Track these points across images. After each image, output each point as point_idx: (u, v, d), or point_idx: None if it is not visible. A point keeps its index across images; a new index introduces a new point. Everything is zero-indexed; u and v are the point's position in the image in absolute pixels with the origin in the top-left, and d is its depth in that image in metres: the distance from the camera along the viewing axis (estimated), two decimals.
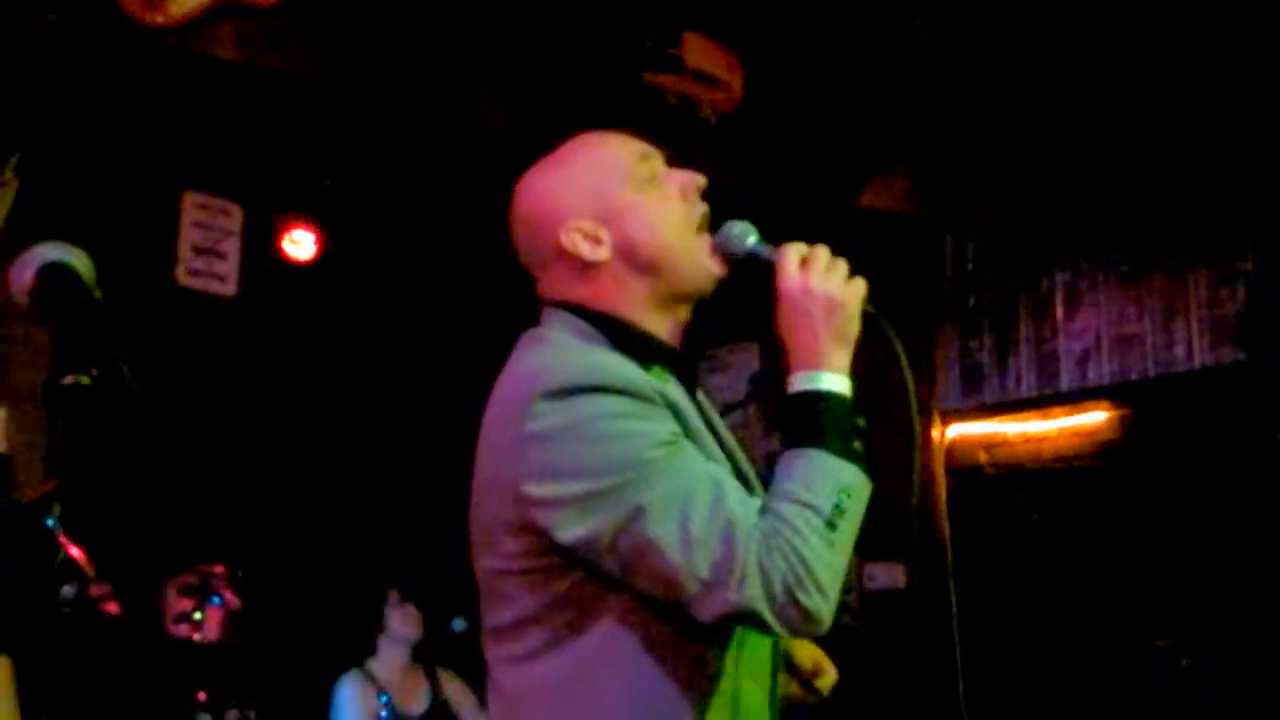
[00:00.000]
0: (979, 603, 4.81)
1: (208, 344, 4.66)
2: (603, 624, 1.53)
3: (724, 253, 1.72)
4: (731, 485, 1.52)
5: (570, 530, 1.49)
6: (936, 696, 4.73)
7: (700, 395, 1.75)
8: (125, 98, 3.88)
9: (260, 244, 4.80)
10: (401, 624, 4.23)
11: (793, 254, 1.68)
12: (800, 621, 1.47)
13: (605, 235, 1.65)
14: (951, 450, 5.04)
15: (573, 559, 1.51)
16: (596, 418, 1.50)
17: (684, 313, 1.72)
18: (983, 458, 5.00)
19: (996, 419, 4.95)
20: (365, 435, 5.10)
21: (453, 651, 4.39)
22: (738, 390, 5.60)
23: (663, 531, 1.46)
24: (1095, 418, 4.69)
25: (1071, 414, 4.74)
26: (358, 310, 5.13)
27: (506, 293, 5.65)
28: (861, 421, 1.62)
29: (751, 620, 1.48)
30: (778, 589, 1.45)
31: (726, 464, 1.63)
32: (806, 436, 1.56)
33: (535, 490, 1.50)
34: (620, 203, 1.67)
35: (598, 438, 1.49)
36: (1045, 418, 4.83)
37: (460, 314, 5.15)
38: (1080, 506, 4.63)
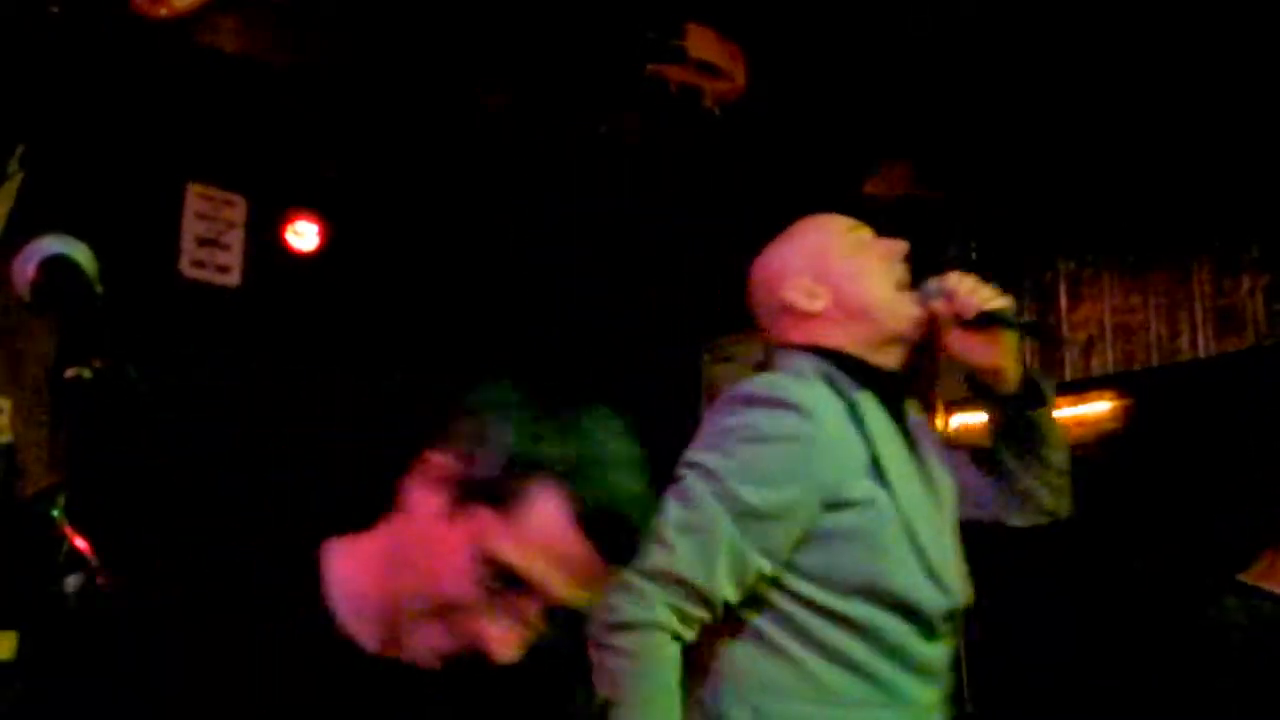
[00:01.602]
0: (983, 592, 4.81)
1: (212, 335, 4.67)
2: None
3: (921, 303, 2.06)
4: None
5: None
6: None
7: (913, 417, 2.09)
8: (129, 90, 3.88)
9: (264, 235, 4.80)
10: None
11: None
12: None
13: (821, 290, 2.03)
14: (955, 440, 5.04)
15: None
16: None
17: (894, 354, 2.05)
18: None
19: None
20: (370, 426, 5.10)
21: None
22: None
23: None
24: (1099, 407, 4.68)
25: (1075, 404, 4.74)
26: (362, 301, 5.13)
27: (510, 281, 5.66)
28: None
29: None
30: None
31: (912, 486, 1.95)
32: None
33: None
34: (834, 264, 2.05)
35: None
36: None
37: (465, 303, 5.15)
38: (1083, 495, 4.62)
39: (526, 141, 4.49)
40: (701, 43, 4.15)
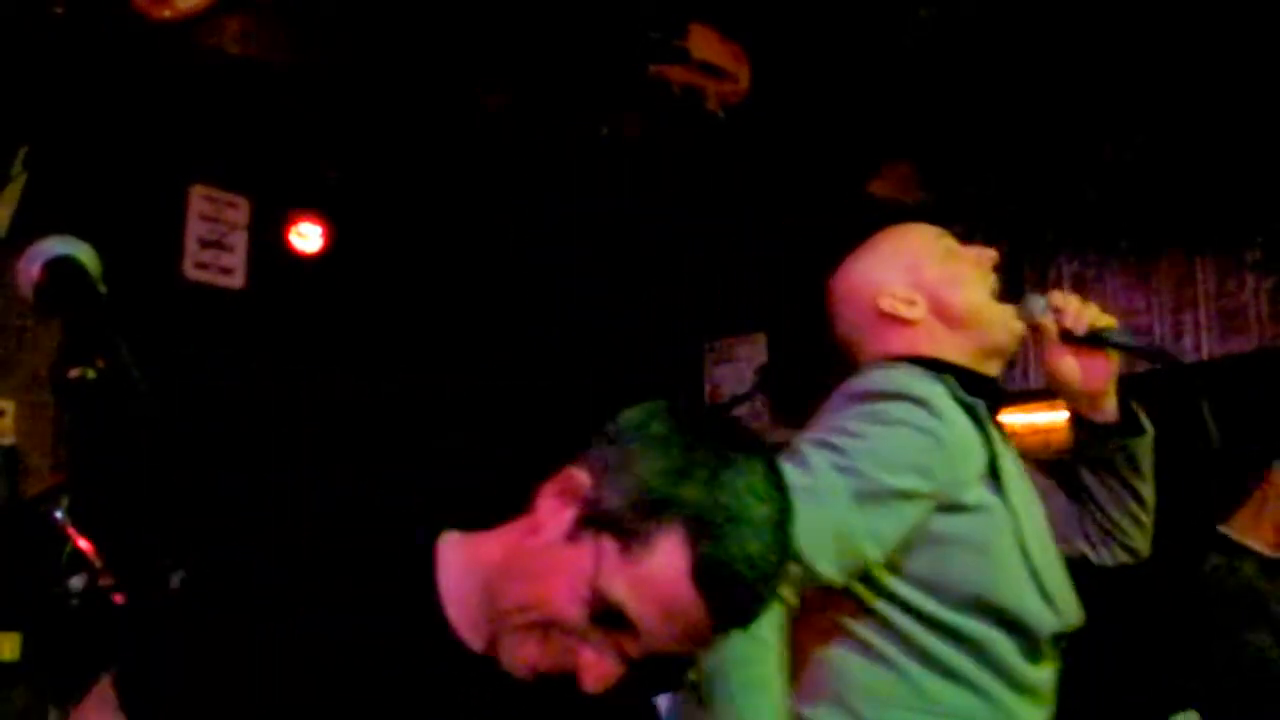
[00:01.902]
0: None
1: (215, 337, 4.67)
2: None
3: (1025, 317, 1.99)
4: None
5: None
6: None
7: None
8: (132, 91, 3.88)
9: (267, 237, 4.81)
10: None
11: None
12: None
13: (919, 298, 1.94)
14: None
15: None
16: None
17: (996, 366, 2.00)
18: None
19: (1005, 410, 4.93)
20: (375, 428, 5.11)
21: None
22: (744, 382, 5.61)
23: None
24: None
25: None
26: (366, 302, 5.13)
27: (513, 281, 5.66)
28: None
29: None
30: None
31: (1026, 500, 1.89)
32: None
33: None
34: (929, 272, 1.96)
35: None
36: (1053, 408, 4.82)
37: (467, 303, 5.15)
38: None
39: (528, 142, 4.50)
40: (704, 44, 4.15)
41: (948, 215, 5.04)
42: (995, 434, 1.90)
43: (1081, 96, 4.44)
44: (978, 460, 1.83)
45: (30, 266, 1.14)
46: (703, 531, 1.19)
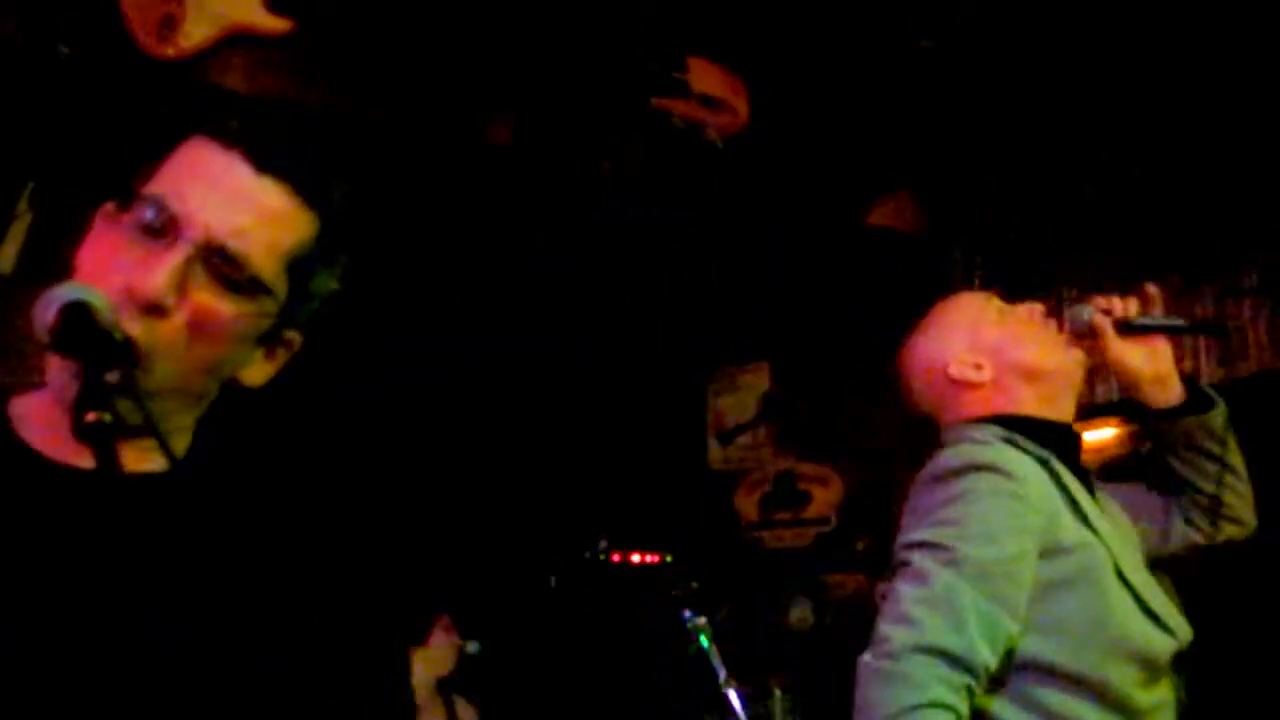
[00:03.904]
0: None
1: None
2: None
3: (1077, 329, 2.16)
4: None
5: None
6: None
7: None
8: (137, 129, 3.91)
9: None
10: (444, 652, 4.24)
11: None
12: None
13: (984, 360, 2.10)
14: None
15: None
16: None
17: (1068, 403, 2.13)
18: None
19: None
20: (382, 453, 5.11)
21: (467, 675, 4.40)
22: (748, 411, 5.62)
23: None
24: (1104, 434, 4.69)
25: (1080, 430, 4.73)
26: (372, 330, 5.15)
27: (515, 312, 5.67)
28: None
29: None
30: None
31: (1112, 531, 1.98)
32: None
33: None
34: (988, 334, 2.12)
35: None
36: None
37: (470, 333, 5.17)
38: None
39: (530, 174, 4.52)
40: (704, 77, 4.18)
41: (945, 245, 5.07)
42: (1069, 477, 1.99)
43: (1078, 128, 4.47)
44: (1061, 506, 1.93)
45: (46, 312, 1.16)
46: None
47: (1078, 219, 4.70)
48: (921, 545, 1.84)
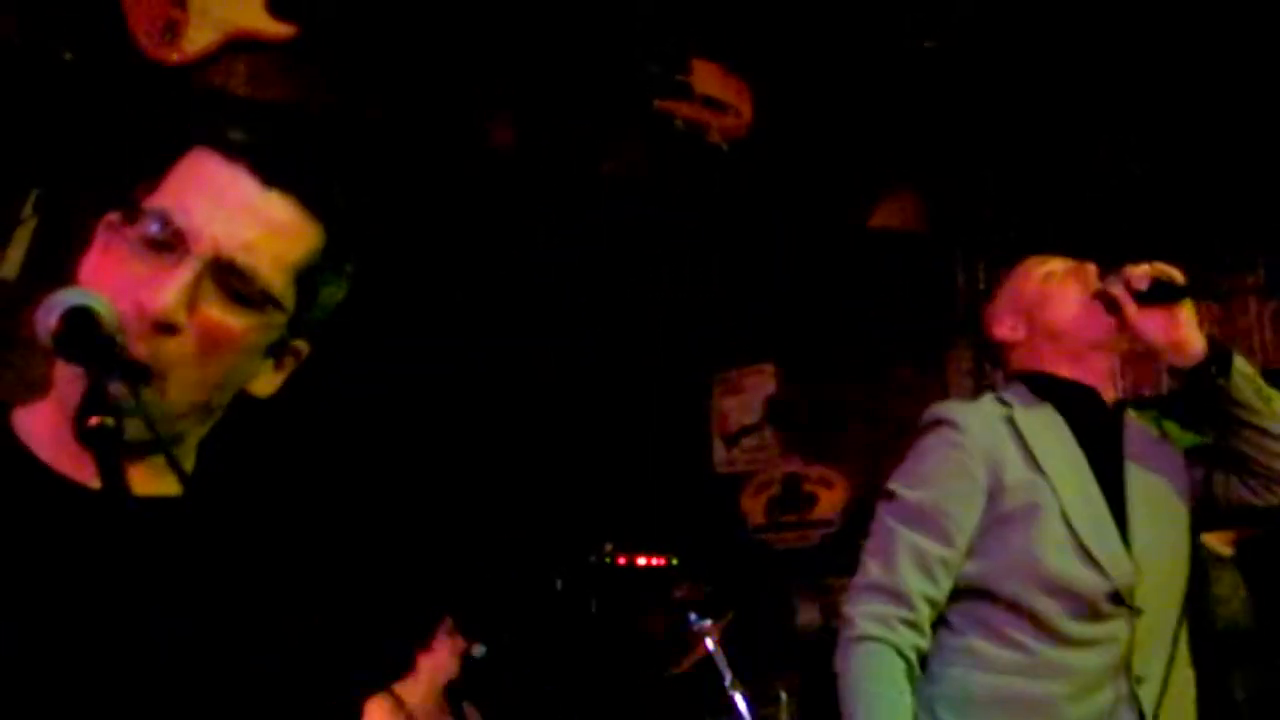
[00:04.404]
0: None
1: None
2: None
3: (1105, 299, 2.22)
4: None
5: None
6: None
7: (1131, 419, 2.32)
8: (141, 134, 3.91)
9: None
10: (448, 655, 4.23)
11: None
12: None
13: (1019, 322, 2.33)
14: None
15: None
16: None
17: (1095, 362, 2.29)
18: None
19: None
20: (386, 458, 5.12)
21: (473, 680, 4.40)
22: (753, 413, 5.62)
23: None
24: None
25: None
26: (374, 333, 5.15)
27: (519, 314, 5.66)
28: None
29: None
30: None
31: (1074, 478, 2.19)
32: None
33: None
34: (1025, 297, 2.34)
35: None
36: None
37: (473, 337, 5.17)
38: None
39: (533, 177, 4.53)
40: (708, 79, 4.18)
41: (946, 245, 5.06)
42: (1043, 424, 2.23)
43: (1078, 128, 4.46)
44: (1011, 451, 2.18)
45: (48, 317, 1.16)
46: None
47: (1078, 218, 4.70)
48: (881, 495, 2.25)
